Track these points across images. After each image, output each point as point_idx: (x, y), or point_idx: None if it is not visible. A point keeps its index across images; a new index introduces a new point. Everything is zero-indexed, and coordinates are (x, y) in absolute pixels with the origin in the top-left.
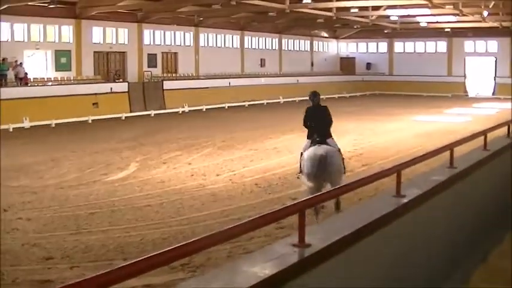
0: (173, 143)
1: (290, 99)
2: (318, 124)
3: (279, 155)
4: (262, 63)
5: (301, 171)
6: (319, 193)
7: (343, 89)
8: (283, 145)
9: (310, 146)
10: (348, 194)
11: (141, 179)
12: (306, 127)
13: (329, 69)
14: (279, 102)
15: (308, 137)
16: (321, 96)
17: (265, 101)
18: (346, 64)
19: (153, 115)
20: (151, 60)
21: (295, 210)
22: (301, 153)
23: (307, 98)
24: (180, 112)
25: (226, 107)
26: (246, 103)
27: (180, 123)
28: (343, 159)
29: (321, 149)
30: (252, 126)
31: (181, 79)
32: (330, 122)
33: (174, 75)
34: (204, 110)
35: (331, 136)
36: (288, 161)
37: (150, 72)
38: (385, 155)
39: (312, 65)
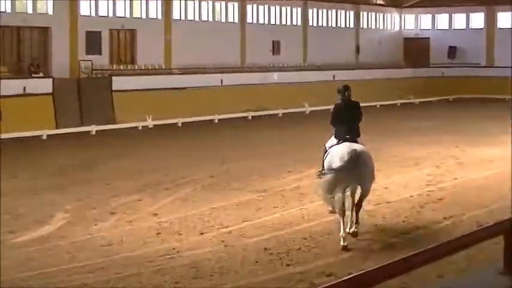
0: (128, 179)
1: (321, 108)
2: (348, 122)
3: (303, 200)
4: (276, 48)
5: (323, 169)
6: (340, 200)
7: (409, 91)
8: (309, 184)
9: (339, 143)
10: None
11: (74, 240)
12: (333, 126)
13: (385, 58)
14: (303, 112)
15: (335, 135)
16: (374, 104)
17: (280, 111)
18: (415, 49)
19: (94, 133)
20: (93, 42)
21: None
22: (325, 150)
23: (337, 92)
24: (140, 128)
25: (217, 121)
26: (249, 114)
27: (139, 147)
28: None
29: (354, 146)
30: (258, 153)
31: (141, 74)
32: (360, 119)
33: (130, 67)
34: (180, 124)
35: (359, 135)
36: (318, 210)
37: (89, 63)
38: (481, 200)
39: (358, 51)
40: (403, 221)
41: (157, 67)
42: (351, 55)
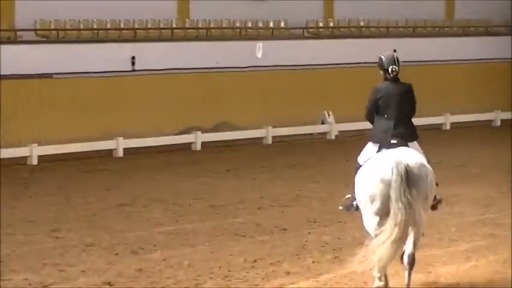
0: None
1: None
2: (394, 114)
3: None
4: None
5: (353, 197)
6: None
7: None
8: None
9: (380, 153)
10: None
11: None
12: (370, 121)
13: None
14: (321, 135)
15: (373, 139)
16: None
17: (266, 132)
18: None
19: None
20: None
21: None
22: (357, 166)
23: (378, 64)
24: None
25: (121, 153)
26: (196, 138)
27: None
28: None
29: (404, 155)
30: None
31: None
32: (413, 111)
33: None
34: (34, 161)
35: (416, 137)
36: None
37: None
38: None
39: None
40: None
41: None
42: (435, 5)
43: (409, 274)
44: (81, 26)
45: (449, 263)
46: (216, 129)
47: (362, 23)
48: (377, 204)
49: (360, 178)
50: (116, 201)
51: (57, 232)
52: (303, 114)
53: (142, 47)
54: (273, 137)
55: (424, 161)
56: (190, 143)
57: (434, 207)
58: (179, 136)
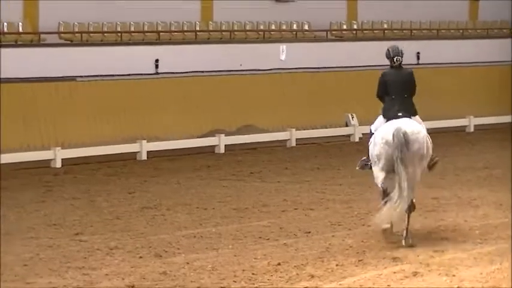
0: None
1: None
2: (399, 94)
3: None
4: None
5: (368, 158)
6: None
7: None
8: None
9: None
10: None
11: None
12: (380, 99)
13: None
14: (345, 137)
15: (383, 114)
16: None
17: (290, 135)
18: None
19: None
20: None
21: None
22: (370, 134)
23: (385, 55)
24: None
25: (145, 156)
26: (219, 140)
27: None
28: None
29: (404, 123)
30: None
31: None
32: (414, 93)
33: None
34: (58, 164)
35: (416, 113)
36: None
37: None
38: None
39: None
40: None
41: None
42: (458, 6)
43: (408, 217)
44: (105, 29)
45: (473, 266)
46: (239, 132)
47: (385, 25)
48: (382, 162)
49: (372, 143)
50: (139, 204)
51: (81, 235)
52: (327, 117)
53: (166, 49)
54: (297, 140)
55: (421, 128)
56: (214, 146)
57: (431, 168)
58: (203, 139)
